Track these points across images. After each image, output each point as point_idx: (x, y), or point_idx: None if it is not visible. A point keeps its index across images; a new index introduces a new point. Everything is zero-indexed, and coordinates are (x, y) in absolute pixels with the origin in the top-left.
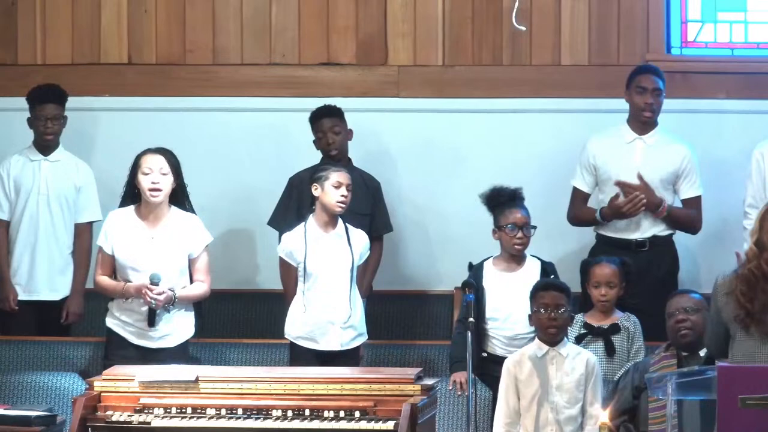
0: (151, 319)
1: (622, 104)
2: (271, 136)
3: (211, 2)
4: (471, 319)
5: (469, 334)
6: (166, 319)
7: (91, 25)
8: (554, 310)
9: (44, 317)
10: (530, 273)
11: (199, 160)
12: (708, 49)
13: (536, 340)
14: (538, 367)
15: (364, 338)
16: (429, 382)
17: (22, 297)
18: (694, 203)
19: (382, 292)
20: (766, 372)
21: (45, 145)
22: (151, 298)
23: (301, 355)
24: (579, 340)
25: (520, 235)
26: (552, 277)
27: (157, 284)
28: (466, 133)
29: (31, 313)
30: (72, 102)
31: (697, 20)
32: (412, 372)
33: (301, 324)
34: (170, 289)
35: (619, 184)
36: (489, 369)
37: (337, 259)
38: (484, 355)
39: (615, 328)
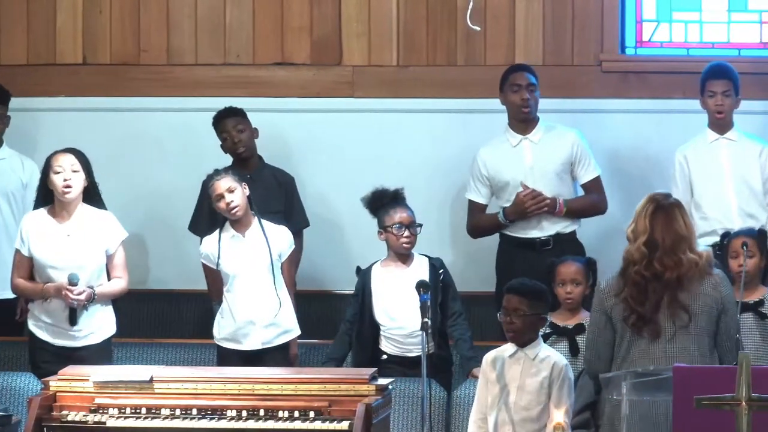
0: (73, 318)
1: (578, 104)
2: None
3: (165, 3)
4: (426, 320)
5: (424, 334)
6: (89, 315)
7: (46, 25)
8: (510, 314)
9: None
10: (418, 271)
11: (155, 159)
12: (663, 48)
13: None
14: (506, 367)
15: (292, 335)
16: (383, 382)
17: None
18: (594, 185)
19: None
20: (721, 372)
21: None
22: (72, 298)
23: (225, 357)
24: (544, 339)
25: (407, 233)
26: (441, 271)
27: (76, 284)
28: (420, 134)
29: None
30: (27, 102)
31: (652, 20)
32: (366, 372)
33: (223, 325)
34: (89, 287)
35: (523, 186)
36: (391, 371)
37: (253, 258)
38: (384, 357)
39: (580, 328)
